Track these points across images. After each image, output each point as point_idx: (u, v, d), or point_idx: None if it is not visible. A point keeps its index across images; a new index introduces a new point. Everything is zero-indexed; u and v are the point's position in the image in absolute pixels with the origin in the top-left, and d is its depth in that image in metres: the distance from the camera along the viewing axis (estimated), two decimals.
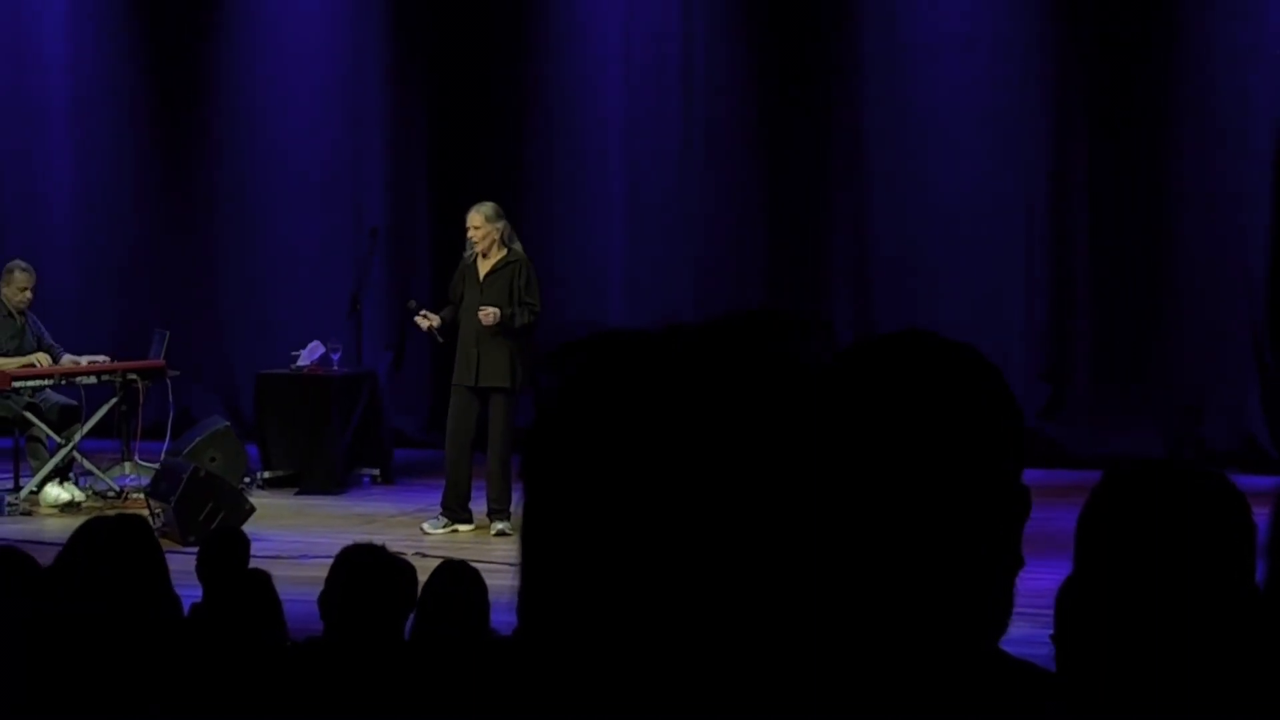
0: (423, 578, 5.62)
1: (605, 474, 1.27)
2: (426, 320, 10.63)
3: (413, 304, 11.02)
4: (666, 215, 13.60)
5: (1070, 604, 2.10)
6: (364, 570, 3.92)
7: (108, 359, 11.90)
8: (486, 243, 10.40)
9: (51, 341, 11.90)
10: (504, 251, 10.45)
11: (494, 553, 9.13)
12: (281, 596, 5.21)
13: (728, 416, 1.27)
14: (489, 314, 10.23)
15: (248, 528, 8.13)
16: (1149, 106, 12.66)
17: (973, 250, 13.01)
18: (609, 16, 13.71)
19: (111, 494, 11.53)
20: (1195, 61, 12.59)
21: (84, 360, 11.83)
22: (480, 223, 10.41)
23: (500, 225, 10.45)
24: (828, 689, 1.37)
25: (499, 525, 10.31)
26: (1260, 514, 2.37)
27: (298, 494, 11.95)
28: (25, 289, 11.76)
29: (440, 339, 10.70)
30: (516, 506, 1.34)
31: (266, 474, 12.18)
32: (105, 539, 3.60)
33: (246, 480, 11.82)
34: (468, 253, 10.54)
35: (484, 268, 10.44)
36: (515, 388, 10.30)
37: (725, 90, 13.53)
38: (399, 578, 3.95)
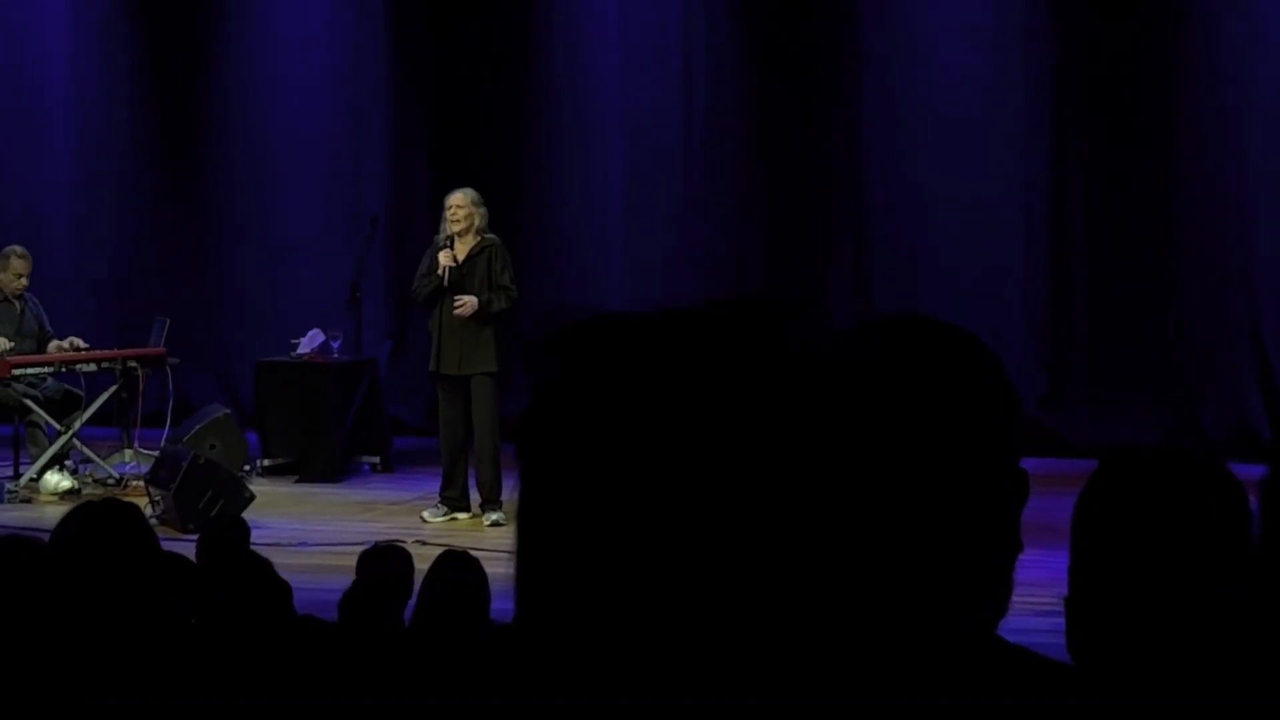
0: (422, 566, 5.64)
1: (601, 459, 1.27)
2: (449, 256, 10.47)
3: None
4: (666, 203, 13.60)
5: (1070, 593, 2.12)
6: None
7: (84, 344, 11.84)
8: (467, 223, 10.43)
9: (49, 329, 11.90)
10: (479, 237, 10.49)
11: (494, 541, 9.12)
12: None
13: (724, 401, 1.26)
14: (466, 304, 10.27)
15: (248, 515, 8.14)
16: (1150, 95, 12.64)
17: (972, 240, 13.01)
18: (608, 3, 13.70)
19: (111, 481, 11.54)
20: (1197, 50, 12.57)
21: (67, 345, 11.79)
22: (465, 203, 10.47)
23: (482, 210, 10.51)
24: (825, 673, 1.38)
25: (493, 515, 10.26)
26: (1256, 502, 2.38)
27: (298, 482, 11.96)
28: (22, 275, 11.75)
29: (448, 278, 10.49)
30: (508, 495, 1.33)
31: (266, 462, 12.18)
32: (95, 524, 3.57)
33: (246, 468, 11.82)
34: (440, 235, 10.55)
35: (460, 251, 10.46)
36: (498, 372, 10.33)
37: (725, 77, 13.52)
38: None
